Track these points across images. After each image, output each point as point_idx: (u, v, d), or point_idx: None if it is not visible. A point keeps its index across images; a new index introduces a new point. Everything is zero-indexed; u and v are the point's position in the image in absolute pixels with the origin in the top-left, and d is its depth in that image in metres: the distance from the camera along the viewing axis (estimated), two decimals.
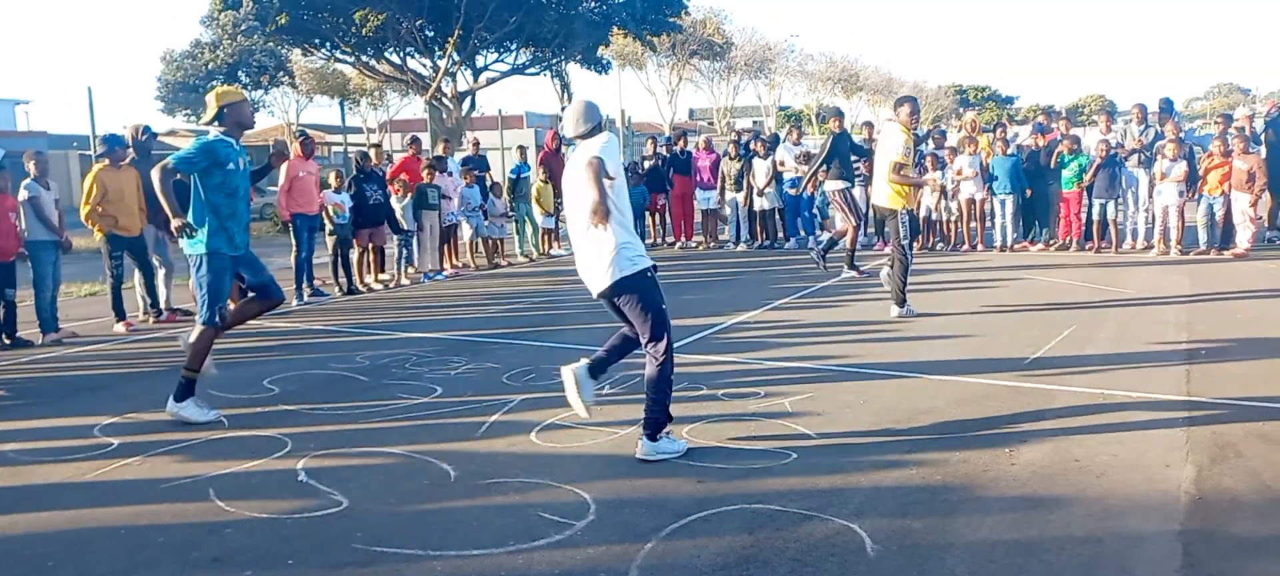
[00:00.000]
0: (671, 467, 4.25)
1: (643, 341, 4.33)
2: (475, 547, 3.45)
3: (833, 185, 10.43)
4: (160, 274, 8.75)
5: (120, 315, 8.25)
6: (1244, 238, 10.51)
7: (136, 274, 8.60)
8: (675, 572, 3.20)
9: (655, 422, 4.33)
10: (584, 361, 4.52)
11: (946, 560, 3.23)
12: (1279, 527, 3.38)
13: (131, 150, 8.23)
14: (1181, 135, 11.16)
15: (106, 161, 7.99)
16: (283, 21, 23.81)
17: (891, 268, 7.77)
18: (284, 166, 9.55)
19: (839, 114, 11.42)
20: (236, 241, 5.31)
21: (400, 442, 4.73)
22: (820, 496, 3.84)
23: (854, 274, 9.97)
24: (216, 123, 5.27)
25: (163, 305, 8.77)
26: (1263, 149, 11.98)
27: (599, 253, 4.21)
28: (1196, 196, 10.97)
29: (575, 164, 4.30)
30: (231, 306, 5.65)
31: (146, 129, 8.49)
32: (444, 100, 26.94)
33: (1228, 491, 3.73)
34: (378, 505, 3.91)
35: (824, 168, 10.66)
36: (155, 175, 5.09)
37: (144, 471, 4.44)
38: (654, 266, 4.31)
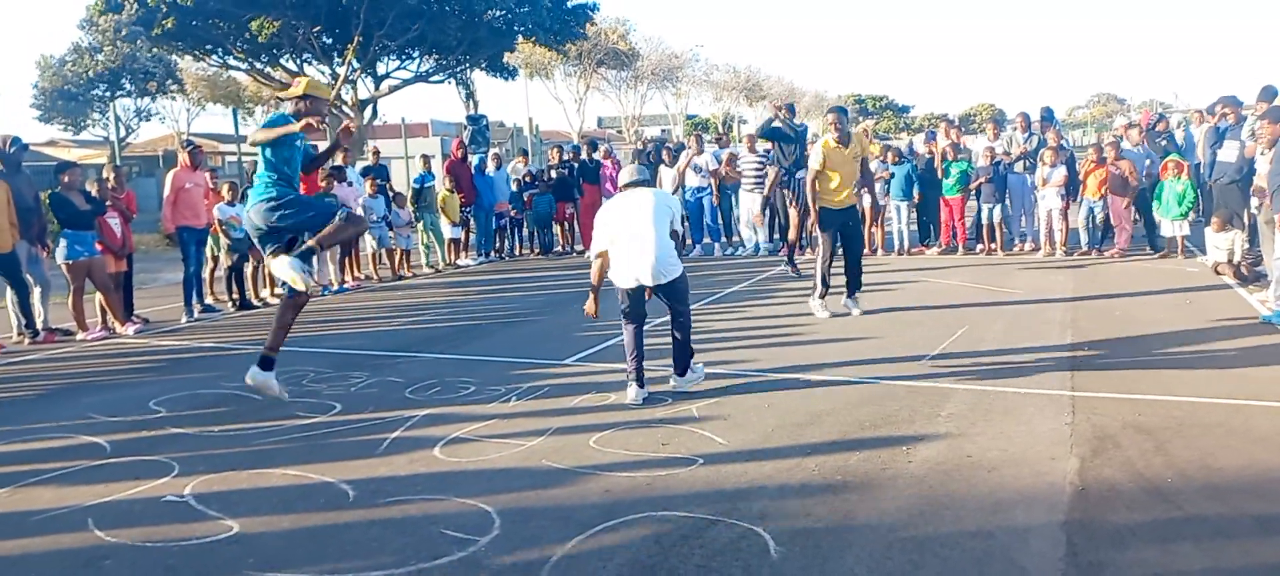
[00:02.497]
0: (578, 478, 4.22)
1: (682, 315, 5.66)
2: (374, 568, 3.35)
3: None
4: (35, 293, 8.24)
5: None
6: (1121, 238, 11.12)
7: (9, 293, 8.09)
8: None
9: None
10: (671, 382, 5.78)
11: (846, 559, 3.29)
12: (1151, 515, 3.57)
13: None
14: (1062, 142, 11.73)
15: None
16: (169, 26, 22.80)
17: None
18: (170, 177, 9.19)
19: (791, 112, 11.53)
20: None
21: (296, 462, 4.56)
22: (725, 501, 3.87)
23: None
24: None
25: (39, 325, 8.26)
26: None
27: (663, 256, 5.49)
28: (1078, 200, 11.55)
29: (666, 201, 5.76)
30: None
31: (15, 140, 7.98)
32: (344, 109, 26.27)
33: (1107, 481, 3.92)
34: (271, 528, 3.76)
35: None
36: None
37: (14, 503, 4.16)
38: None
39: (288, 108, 5.74)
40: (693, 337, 5.86)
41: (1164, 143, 12.15)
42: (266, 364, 5.68)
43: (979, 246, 12.03)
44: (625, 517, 3.74)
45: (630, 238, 5.53)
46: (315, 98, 5.73)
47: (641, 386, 5.53)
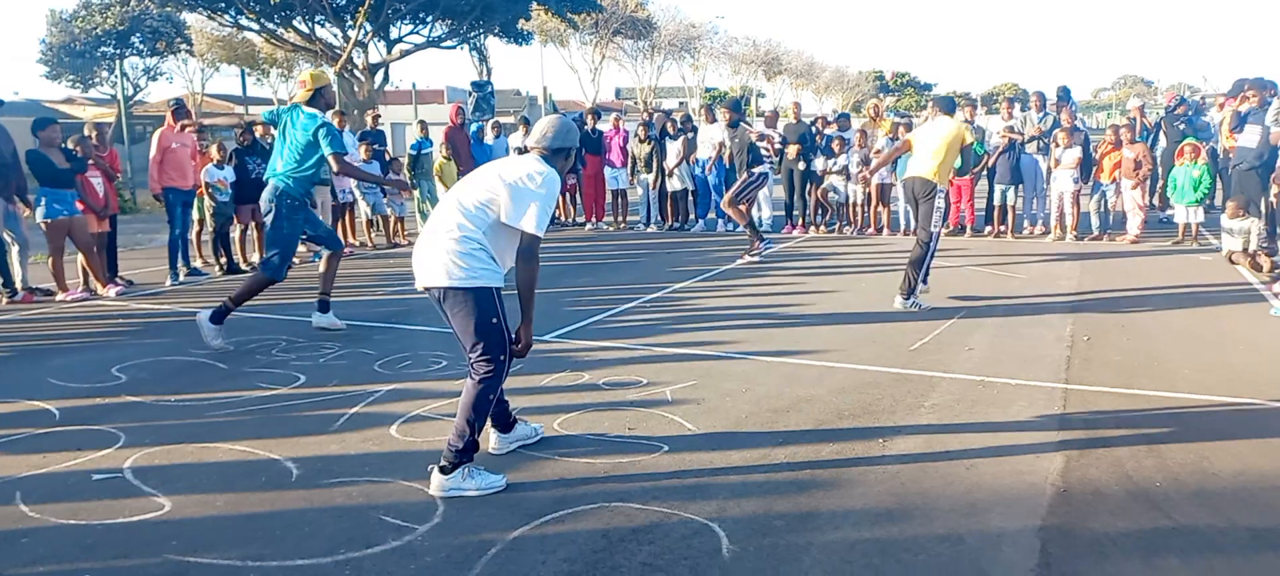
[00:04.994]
0: (534, 462, 4.02)
1: (472, 350, 3.70)
2: (300, 556, 3.16)
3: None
4: (13, 250, 8.09)
5: None
6: (1134, 224, 10.76)
7: None
8: None
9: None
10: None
11: (803, 562, 3.08)
12: (1134, 523, 3.32)
13: None
14: (1076, 123, 11.35)
15: None
16: None
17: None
18: (156, 137, 9.00)
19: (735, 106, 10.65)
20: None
21: (245, 437, 4.38)
22: (684, 493, 3.66)
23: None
24: (313, 103, 6.31)
25: (17, 284, 8.12)
26: (1162, 138, 12.34)
27: (452, 254, 3.63)
28: (1092, 184, 11.19)
29: (501, 174, 3.67)
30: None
31: None
32: (356, 72, 25.98)
33: (1092, 483, 3.67)
34: (203, 508, 3.57)
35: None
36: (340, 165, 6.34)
37: None
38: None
39: (301, 96, 6.37)
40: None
41: (1182, 126, 11.73)
42: (322, 306, 6.74)
43: (987, 228, 11.70)
44: (576, 508, 3.53)
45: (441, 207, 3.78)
46: (327, 87, 6.46)
47: (501, 431, 4.13)
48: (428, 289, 3.71)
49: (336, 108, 6.66)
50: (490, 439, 4.11)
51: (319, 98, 6.33)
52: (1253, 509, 3.42)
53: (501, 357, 3.69)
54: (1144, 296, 7.65)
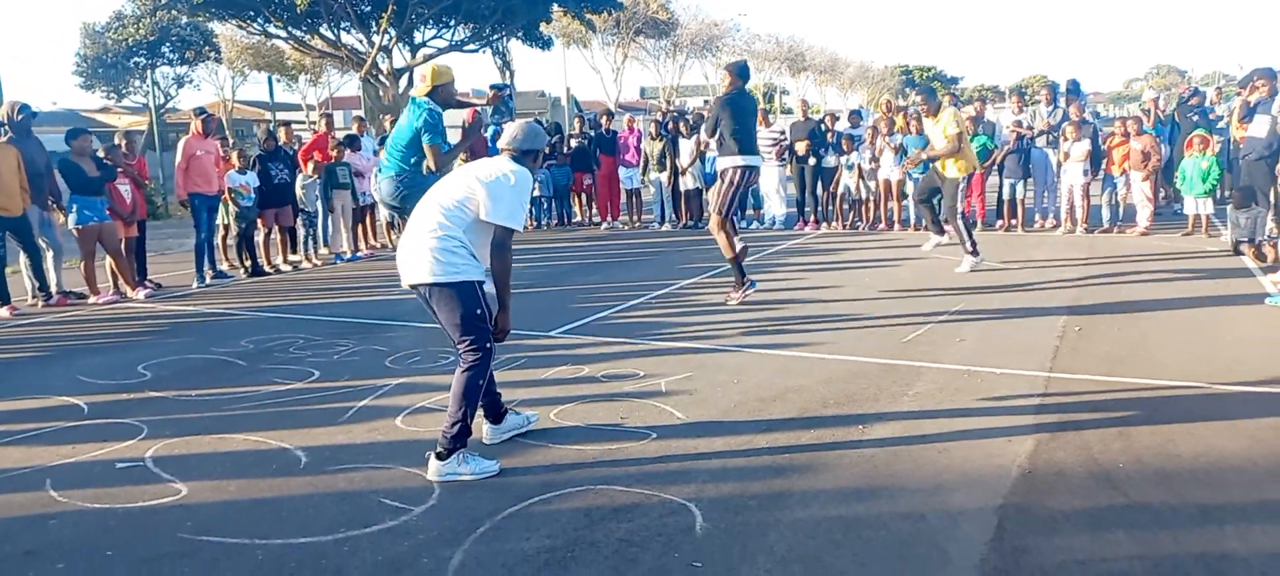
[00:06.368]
0: (527, 449, 4.24)
1: (462, 347, 3.97)
2: (303, 535, 3.40)
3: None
4: (48, 256, 8.47)
5: (4, 299, 7.98)
6: (1143, 216, 10.79)
7: (21, 256, 8.33)
8: (500, 557, 3.19)
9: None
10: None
11: (769, 538, 3.27)
12: (1090, 501, 3.48)
13: (8, 129, 7.94)
14: (1085, 116, 11.39)
15: None
16: None
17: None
18: (181, 144, 9.36)
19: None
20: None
21: (259, 428, 4.65)
22: (666, 476, 3.86)
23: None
24: (432, 97, 6.00)
25: (52, 288, 8.50)
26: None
27: (436, 252, 3.89)
28: (1102, 177, 11.23)
29: (477, 175, 3.92)
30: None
31: (24, 108, 8.17)
32: (380, 77, 26.43)
33: (1057, 465, 3.83)
34: (216, 493, 3.83)
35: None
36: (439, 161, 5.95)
37: None
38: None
39: (420, 90, 6.05)
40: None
41: (1195, 117, 11.72)
42: None
43: (998, 222, 11.77)
44: (563, 490, 3.75)
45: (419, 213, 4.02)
46: (447, 83, 6.09)
47: (493, 422, 4.33)
48: (414, 287, 3.96)
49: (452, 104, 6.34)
50: (483, 431, 4.34)
51: (437, 94, 6.00)
52: (1206, 486, 3.56)
53: (487, 345, 3.94)
54: (1144, 287, 7.73)
